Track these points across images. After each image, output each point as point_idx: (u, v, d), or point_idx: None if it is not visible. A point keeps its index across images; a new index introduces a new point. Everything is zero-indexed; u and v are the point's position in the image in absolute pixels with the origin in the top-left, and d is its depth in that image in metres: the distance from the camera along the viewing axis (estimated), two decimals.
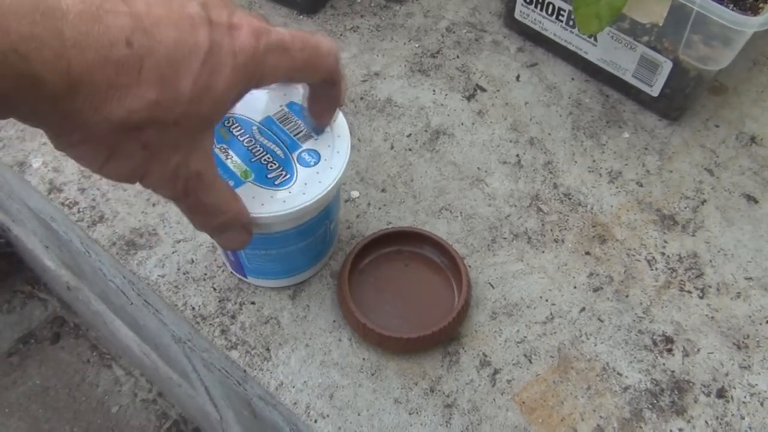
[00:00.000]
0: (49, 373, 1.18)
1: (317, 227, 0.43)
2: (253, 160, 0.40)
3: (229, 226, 0.36)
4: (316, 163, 0.40)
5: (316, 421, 0.43)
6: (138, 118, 0.28)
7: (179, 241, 0.50)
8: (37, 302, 1.25)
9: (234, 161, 0.40)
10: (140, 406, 1.14)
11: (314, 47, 0.35)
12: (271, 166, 0.40)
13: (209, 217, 0.35)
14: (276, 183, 0.39)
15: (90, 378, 1.17)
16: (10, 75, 0.25)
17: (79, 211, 0.51)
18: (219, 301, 0.47)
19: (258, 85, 0.33)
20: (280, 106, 0.42)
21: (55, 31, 0.25)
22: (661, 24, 0.51)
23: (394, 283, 0.47)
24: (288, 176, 0.39)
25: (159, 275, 0.48)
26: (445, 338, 0.45)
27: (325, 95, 0.39)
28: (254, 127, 0.41)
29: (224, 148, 0.40)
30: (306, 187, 0.39)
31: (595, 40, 0.57)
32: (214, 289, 0.48)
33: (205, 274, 0.48)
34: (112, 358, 1.19)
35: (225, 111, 0.32)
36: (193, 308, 0.47)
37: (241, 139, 0.41)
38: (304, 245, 0.44)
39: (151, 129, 0.29)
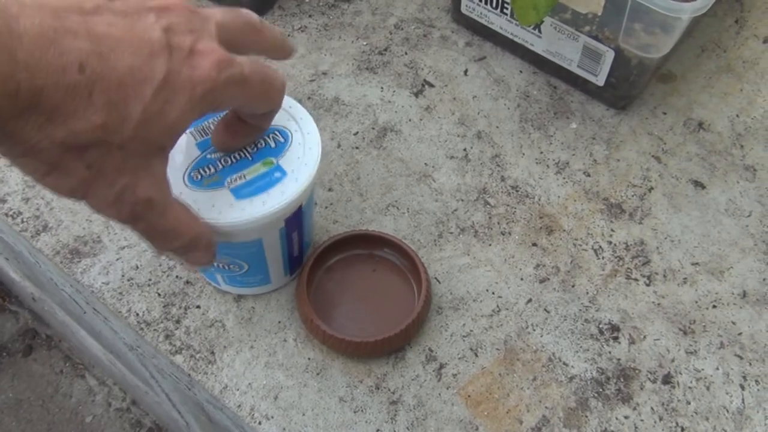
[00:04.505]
0: (22, 386, 1.17)
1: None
2: (252, 160, 0.40)
3: (189, 248, 0.35)
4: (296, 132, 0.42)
5: (260, 423, 0.42)
6: (82, 139, 0.28)
7: (123, 248, 0.49)
8: (8, 315, 1.24)
9: (249, 172, 0.39)
10: (114, 415, 1.13)
11: (270, 82, 0.35)
12: (261, 143, 0.40)
13: (165, 241, 0.34)
14: (274, 148, 0.40)
15: (63, 389, 1.16)
16: None
17: (23, 221, 0.51)
18: (163, 306, 0.47)
19: (211, 112, 0.33)
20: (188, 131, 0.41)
21: (8, 54, 0.25)
22: (600, 13, 0.51)
23: (355, 286, 0.47)
24: (282, 140, 0.40)
25: (103, 282, 0.48)
26: (398, 345, 0.45)
27: (255, 123, 0.39)
28: (206, 153, 0.40)
29: (232, 180, 0.39)
30: (306, 139, 0.41)
31: (540, 31, 0.57)
32: (159, 294, 0.47)
33: (150, 280, 0.48)
34: (85, 368, 1.18)
35: (177, 137, 0.32)
36: (137, 314, 0.46)
37: (221, 164, 0.40)
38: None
39: (95, 150, 0.29)
